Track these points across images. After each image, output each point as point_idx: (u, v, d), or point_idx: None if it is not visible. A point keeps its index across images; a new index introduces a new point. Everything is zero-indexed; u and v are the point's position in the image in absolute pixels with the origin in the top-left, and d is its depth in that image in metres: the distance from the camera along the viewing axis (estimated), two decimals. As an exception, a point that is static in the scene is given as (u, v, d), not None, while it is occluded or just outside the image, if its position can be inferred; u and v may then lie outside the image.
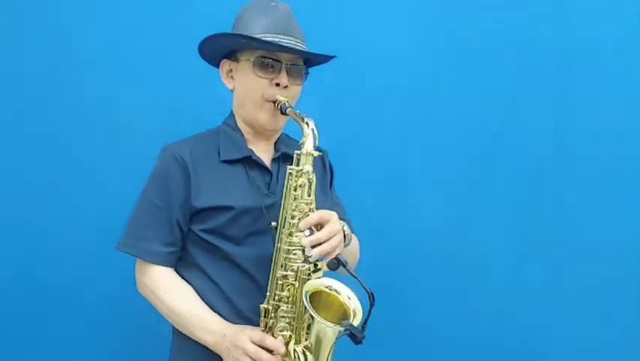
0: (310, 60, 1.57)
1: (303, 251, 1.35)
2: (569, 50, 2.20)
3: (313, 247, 1.33)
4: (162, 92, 2.00)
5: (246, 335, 1.35)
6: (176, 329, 1.47)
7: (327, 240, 1.34)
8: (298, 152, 1.42)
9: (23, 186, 1.92)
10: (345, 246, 1.47)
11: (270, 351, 1.34)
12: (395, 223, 2.15)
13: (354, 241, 1.64)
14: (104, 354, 1.94)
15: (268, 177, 1.53)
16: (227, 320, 1.42)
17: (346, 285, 1.35)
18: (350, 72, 2.11)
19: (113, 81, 1.98)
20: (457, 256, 2.16)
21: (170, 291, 1.44)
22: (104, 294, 1.91)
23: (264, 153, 1.56)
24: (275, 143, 1.60)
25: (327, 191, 1.66)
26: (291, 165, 1.43)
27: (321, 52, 1.53)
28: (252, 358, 1.32)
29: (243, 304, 1.43)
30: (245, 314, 1.43)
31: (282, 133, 1.62)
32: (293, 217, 1.38)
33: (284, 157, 1.55)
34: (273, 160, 1.56)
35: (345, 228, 1.48)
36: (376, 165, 2.16)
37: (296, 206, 1.39)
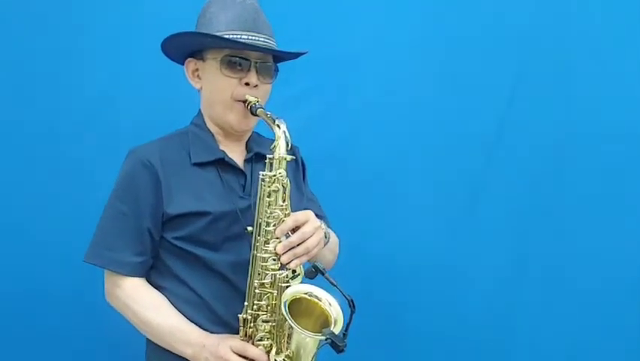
0: (280, 57, 1.51)
1: (279, 258, 1.32)
2: (569, 50, 2.18)
3: (286, 252, 1.30)
4: (160, 91, 1.97)
5: (226, 345, 1.33)
6: (150, 341, 1.43)
7: (300, 243, 1.31)
8: (270, 156, 1.37)
9: (17, 187, 1.90)
10: (324, 245, 1.45)
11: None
12: (392, 225, 2.13)
13: (333, 238, 1.62)
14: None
15: (242, 178, 1.49)
16: (206, 328, 1.39)
17: (327, 291, 1.33)
18: (350, 72, 2.08)
19: (110, 81, 1.95)
20: (455, 258, 2.15)
21: (143, 302, 1.40)
22: (92, 298, 1.84)
23: (236, 153, 1.51)
24: (246, 142, 1.55)
25: (301, 187, 1.63)
26: (264, 167, 1.39)
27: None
28: None
29: (222, 310, 1.40)
30: (224, 320, 1.40)
31: (253, 132, 1.58)
32: (268, 224, 1.35)
33: (257, 157, 1.51)
34: (246, 161, 1.52)
35: (323, 226, 1.44)
36: (373, 166, 2.13)
37: (270, 212, 1.35)
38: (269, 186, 1.36)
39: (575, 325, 2.17)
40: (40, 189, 1.91)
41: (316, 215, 1.47)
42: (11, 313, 1.90)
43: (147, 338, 1.45)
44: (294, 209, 1.39)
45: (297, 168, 1.65)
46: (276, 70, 1.51)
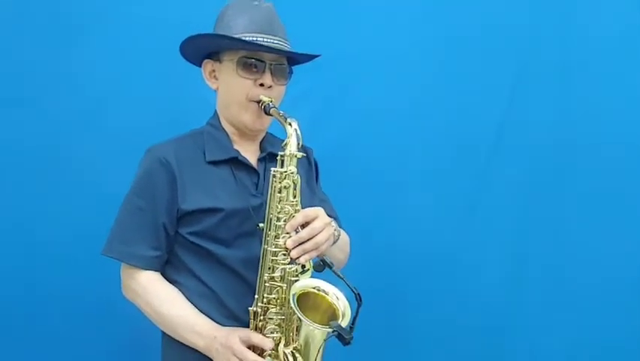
0: (294, 59, 1.55)
1: (289, 253, 1.35)
2: (569, 50, 2.19)
3: (295, 247, 1.33)
4: (159, 92, 1.99)
5: (235, 335, 1.36)
6: (166, 333, 1.47)
7: (309, 238, 1.34)
8: (282, 153, 1.41)
9: (18, 187, 1.90)
10: (333, 242, 1.47)
11: (260, 350, 1.35)
12: (394, 224, 2.15)
13: (344, 238, 1.64)
14: (96, 357, 1.94)
15: (255, 177, 1.52)
16: (217, 321, 1.42)
17: (335, 285, 1.35)
18: (350, 72, 2.11)
19: (109, 81, 1.97)
20: (455, 257, 2.16)
21: (158, 295, 1.44)
22: (98, 297, 1.91)
23: (250, 153, 1.55)
24: (260, 142, 1.59)
25: (313, 187, 1.66)
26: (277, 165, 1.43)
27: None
28: (239, 358, 1.32)
29: (233, 304, 1.43)
30: (237, 315, 1.43)
31: (267, 133, 1.61)
32: (278, 219, 1.38)
33: (270, 157, 1.55)
34: (260, 160, 1.55)
35: (333, 223, 1.47)
36: (375, 165, 2.15)
37: (281, 208, 1.38)
38: (280, 182, 1.39)
39: (575, 324, 2.17)
40: (47, 190, 1.93)
41: (328, 215, 1.50)
42: (27, 311, 1.92)
43: (162, 333, 1.48)
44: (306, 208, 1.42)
45: (310, 169, 1.68)
46: (290, 72, 1.55)
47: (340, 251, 1.60)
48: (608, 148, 2.18)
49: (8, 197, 1.89)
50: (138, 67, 1.98)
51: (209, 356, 1.39)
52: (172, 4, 2.01)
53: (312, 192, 1.64)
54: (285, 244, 1.36)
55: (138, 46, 1.97)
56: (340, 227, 1.63)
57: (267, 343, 1.35)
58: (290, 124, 1.40)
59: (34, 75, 1.91)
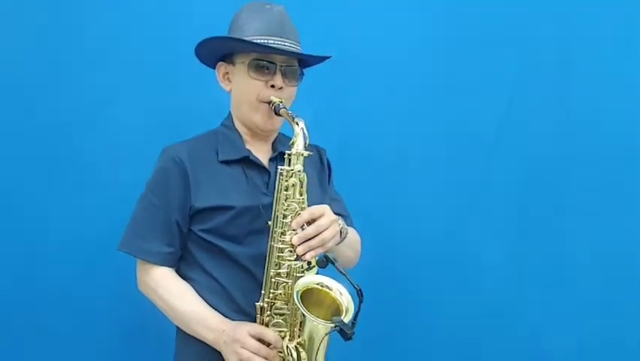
0: (305, 61, 1.58)
1: (295, 249, 1.37)
2: (569, 50, 2.18)
3: (301, 243, 1.36)
4: (163, 93, 2.02)
5: (243, 329, 1.39)
6: (180, 331, 1.51)
7: (315, 235, 1.36)
8: (289, 152, 1.45)
9: (24, 187, 1.93)
10: (341, 240, 1.49)
11: (268, 345, 1.38)
12: (395, 222, 2.16)
13: (354, 237, 1.66)
14: (108, 354, 1.97)
15: (266, 176, 1.55)
16: (227, 316, 1.45)
17: (338, 281, 1.37)
18: (350, 72, 2.12)
19: (114, 82, 1.99)
20: (456, 254, 2.16)
21: (171, 290, 1.48)
22: (109, 293, 1.94)
23: (262, 153, 1.59)
24: (273, 143, 1.62)
25: (325, 187, 1.69)
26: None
27: (321, 52, 1.56)
28: (248, 350, 1.35)
29: (242, 299, 1.46)
30: (244, 309, 1.46)
31: (280, 133, 1.64)
32: (285, 217, 1.41)
33: (281, 156, 1.56)
34: (271, 160, 1.59)
35: (340, 221, 1.49)
36: (376, 164, 2.17)
37: (287, 206, 1.41)
38: (286, 180, 1.43)
39: (575, 321, 2.17)
40: (50, 190, 1.94)
41: (340, 214, 1.52)
42: (28, 312, 1.93)
43: (176, 327, 1.52)
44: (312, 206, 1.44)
45: (323, 169, 1.71)
46: (302, 74, 1.58)
47: (349, 248, 1.61)
48: (608, 147, 2.16)
49: (9, 197, 1.92)
50: (149, 68, 2.01)
51: (218, 349, 1.42)
52: (180, 4, 2.05)
53: (323, 191, 1.66)
54: (291, 240, 1.38)
55: (151, 48, 2.01)
56: (352, 226, 1.65)
57: (279, 340, 1.38)
58: (297, 123, 1.43)
59: (35, 75, 1.94)
